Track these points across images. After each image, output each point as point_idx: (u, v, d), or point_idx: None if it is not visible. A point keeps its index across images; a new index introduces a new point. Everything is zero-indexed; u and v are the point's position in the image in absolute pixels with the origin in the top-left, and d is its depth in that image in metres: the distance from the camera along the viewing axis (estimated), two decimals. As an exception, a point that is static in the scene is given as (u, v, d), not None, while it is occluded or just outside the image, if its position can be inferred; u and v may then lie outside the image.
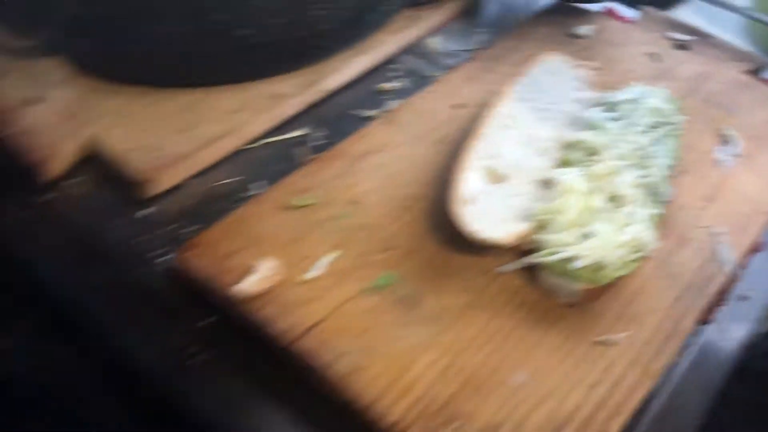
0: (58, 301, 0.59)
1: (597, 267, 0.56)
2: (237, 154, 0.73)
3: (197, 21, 0.70)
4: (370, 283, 0.59)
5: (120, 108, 0.73)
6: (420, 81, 0.85)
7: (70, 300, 0.59)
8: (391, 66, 0.87)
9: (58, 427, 0.56)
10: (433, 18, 0.92)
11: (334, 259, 0.60)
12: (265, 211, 0.65)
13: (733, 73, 0.85)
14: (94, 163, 0.70)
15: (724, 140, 0.76)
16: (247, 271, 0.58)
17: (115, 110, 0.73)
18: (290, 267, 0.59)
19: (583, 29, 0.89)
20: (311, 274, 0.59)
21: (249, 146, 0.74)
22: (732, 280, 0.64)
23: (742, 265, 0.66)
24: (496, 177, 0.65)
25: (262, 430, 0.53)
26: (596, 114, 0.70)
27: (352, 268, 0.60)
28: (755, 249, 0.68)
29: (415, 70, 0.87)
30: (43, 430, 0.55)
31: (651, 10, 0.94)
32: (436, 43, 0.91)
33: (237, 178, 0.71)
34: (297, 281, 0.58)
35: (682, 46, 0.89)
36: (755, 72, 0.86)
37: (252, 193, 0.69)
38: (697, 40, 0.90)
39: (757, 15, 0.95)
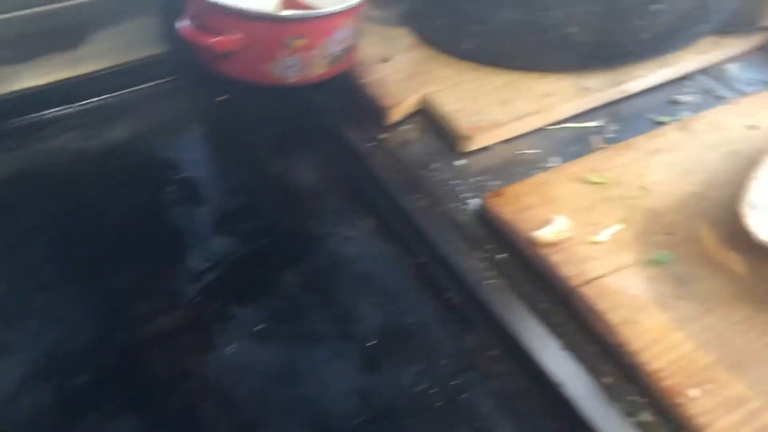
0: (390, 210, 0.75)
1: None
2: (540, 131, 0.85)
3: (536, 14, 0.83)
4: (647, 257, 0.68)
5: (451, 76, 0.88)
6: (713, 100, 0.91)
7: (399, 211, 0.75)
8: (687, 82, 0.94)
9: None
10: (735, 46, 0.97)
11: (618, 230, 0.70)
12: (562, 180, 0.76)
13: None
14: (425, 116, 0.86)
15: None
16: (543, 222, 0.70)
17: (447, 77, 0.88)
18: (580, 228, 0.70)
19: None
20: (598, 237, 0.69)
21: (551, 126, 0.85)
22: None
23: None
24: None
25: (536, 352, 0.63)
26: None
27: (633, 241, 0.69)
28: None
29: (709, 89, 0.93)
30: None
31: None
32: (735, 69, 0.96)
33: (537, 151, 0.83)
34: (585, 241, 0.69)
35: None
36: None
37: (549, 165, 0.81)
38: None
39: None
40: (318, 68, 0.82)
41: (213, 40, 0.78)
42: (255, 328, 0.66)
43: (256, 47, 0.79)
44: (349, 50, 0.85)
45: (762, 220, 0.67)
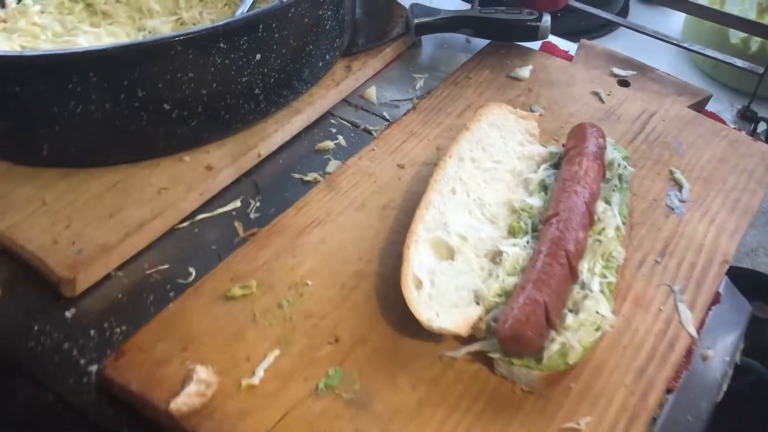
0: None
1: (559, 352, 0.53)
2: (170, 233, 0.68)
3: (115, 98, 0.65)
4: (317, 383, 0.55)
5: (35, 195, 0.67)
6: (361, 137, 0.81)
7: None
8: (332, 121, 0.83)
9: None
10: (369, 65, 0.88)
11: (275, 358, 0.56)
12: (201, 305, 0.60)
13: (676, 108, 0.83)
14: (9, 261, 0.65)
15: (674, 184, 0.74)
16: (182, 379, 0.54)
17: (30, 198, 0.67)
18: (229, 372, 0.55)
19: (523, 70, 0.86)
20: (253, 379, 0.54)
21: (182, 225, 0.69)
22: (695, 340, 0.62)
23: (702, 321, 0.63)
24: (445, 251, 0.62)
25: None
26: (543, 173, 0.67)
27: (297, 366, 0.56)
28: (713, 302, 0.66)
29: (354, 124, 0.83)
30: None
31: (587, 44, 0.92)
32: (374, 92, 0.87)
33: (169, 265, 0.66)
34: (237, 389, 0.54)
35: (623, 82, 0.87)
36: (698, 105, 0.85)
37: (186, 280, 0.64)
38: (636, 74, 0.88)
39: (686, 44, 0.93)
40: None
41: None
42: None
43: None
44: None
45: (429, 298, 0.57)
